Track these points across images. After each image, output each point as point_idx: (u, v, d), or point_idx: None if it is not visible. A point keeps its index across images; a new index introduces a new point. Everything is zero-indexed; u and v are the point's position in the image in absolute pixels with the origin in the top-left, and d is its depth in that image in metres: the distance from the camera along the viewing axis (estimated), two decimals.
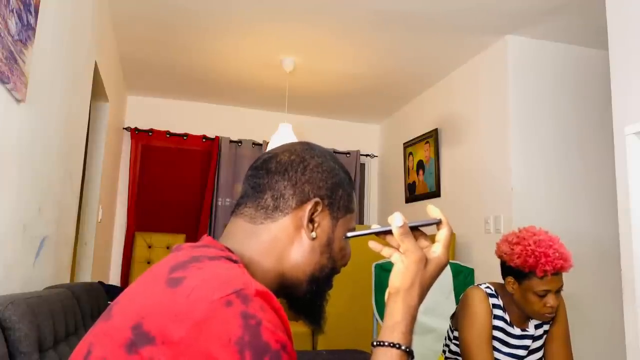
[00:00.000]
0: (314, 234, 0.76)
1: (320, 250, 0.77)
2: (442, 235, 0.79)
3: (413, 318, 0.74)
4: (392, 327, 0.72)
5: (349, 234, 0.82)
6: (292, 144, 0.82)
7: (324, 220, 0.77)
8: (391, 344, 0.71)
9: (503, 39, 3.22)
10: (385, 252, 0.79)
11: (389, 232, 0.77)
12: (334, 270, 0.80)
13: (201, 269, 0.62)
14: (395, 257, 0.76)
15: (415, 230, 0.79)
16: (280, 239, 0.75)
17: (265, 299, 0.60)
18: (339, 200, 0.79)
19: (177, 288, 0.59)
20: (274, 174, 0.77)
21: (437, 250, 0.77)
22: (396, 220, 0.76)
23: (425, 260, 0.76)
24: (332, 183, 0.78)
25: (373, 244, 0.81)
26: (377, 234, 0.80)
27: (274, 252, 0.75)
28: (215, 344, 0.54)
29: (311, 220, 0.76)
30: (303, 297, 0.79)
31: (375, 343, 0.72)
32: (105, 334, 0.60)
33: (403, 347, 0.70)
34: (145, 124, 4.66)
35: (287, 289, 0.78)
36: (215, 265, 0.64)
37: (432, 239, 0.81)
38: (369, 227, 0.81)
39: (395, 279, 0.75)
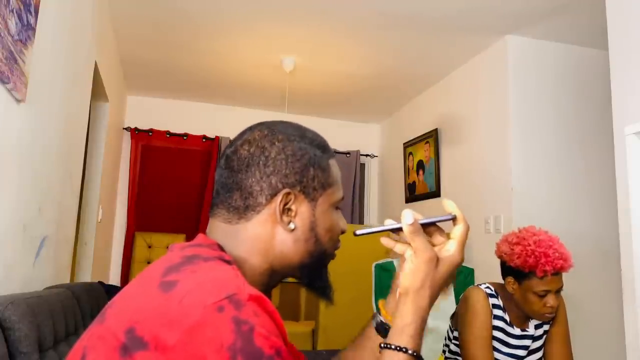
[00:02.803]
0: (292, 225, 0.73)
1: (304, 238, 0.74)
2: (457, 232, 0.75)
3: (423, 320, 0.71)
4: (400, 330, 0.70)
5: (359, 232, 0.79)
6: (252, 132, 0.76)
7: (301, 207, 0.74)
8: (398, 348, 0.69)
9: (503, 39, 3.22)
10: (398, 248, 0.76)
11: (400, 229, 0.74)
12: (325, 252, 0.77)
13: (195, 272, 0.61)
14: (408, 254, 0.74)
15: (431, 226, 0.77)
16: (260, 236, 0.73)
17: (259, 303, 0.59)
18: (312, 180, 0.74)
19: (170, 292, 0.58)
20: (237, 172, 0.73)
21: (450, 249, 0.74)
22: (406, 218, 0.73)
23: (437, 260, 0.73)
24: (300, 166, 0.73)
25: (385, 240, 0.78)
26: (388, 231, 0.78)
27: (258, 250, 0.73)
28: (208, 350, 0.54)
29: (288, 210, 0.73)
30: (300, 278, 0.78)
31: (382, 345, 0.70)
32: (99, 337, 0.60)
33: (410, 352, 0.68)
34: (145, 124, 4.66)
35: (282, 277, 0.78)
36: (209, 268, 0.63)
37: (449, 234, 0.78)
38: (381, 224, 0.79)
39: (405, 279, 0.72)
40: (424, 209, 4.06)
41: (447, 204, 0.77)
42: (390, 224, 0.77)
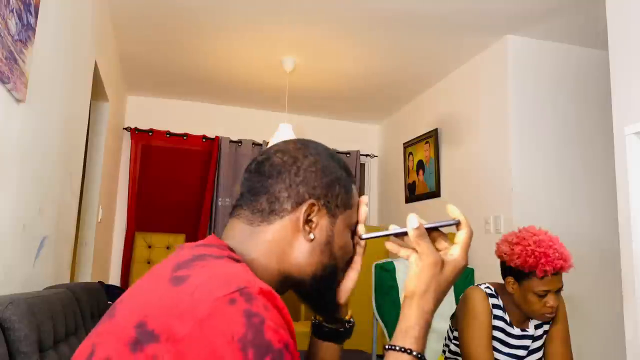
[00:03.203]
0: (312, 235, 0.75)
1: (320, 250, 0.76)
2: (461, 236, 0.77)
3: (427, 323, 0.73)
4: (404, 332, 0.71)
5: (365, 236, 0.81)
6: (286, 143, 0.80)
7: (321, 220, 0.76)
8: (402, 349, 0.70)
9: (503, 39, 3.22)
10: (403, 253, 0.78)
11: (405, 233, 0.76)
12: (337, 267, 0.79)
13: (205, 267, 0.63)
14: (412, 259, 0.75)
15: (434, 231, 0.78)
16: (279, 241, 0.74)
17: (269, 297, 0.60)
18: (336, 197, 0.77)
19: (181, 286, 0.59)
20: (267, 177, 0.76)
21: (455, 253, 0.76)
22: (411, 222, 0.75)
23: (442, 264, 0.74)
24: (328, 181, 0.77)
25: (390, 245, 0.80)
26: (393, 236, 0.79)
27: (274, 253, 0.74)
28: (219, 341, 0.54)
29: (309, 221, 0.75)
30: (310, 292, 0.80)
31: (387, 346, 0.72)
32: (109, 333, 0.60)
33: (414, 353, 0.70)
34: (145, 124, 4.66)
35: (291, 286, 0.79)
36: (219, 264, 0.64)
37: (452, 238, 0.79)
38: (386, 228, 0.80)
39: (410, 283, 0.74)
40: (424, 209, 4.06)
41: (451, 209, 0.79)
42: (394, 228, 0.79)
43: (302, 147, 0.79)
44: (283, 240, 0.75)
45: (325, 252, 0.77)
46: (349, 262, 0.84)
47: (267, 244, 0.74)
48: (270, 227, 0.75)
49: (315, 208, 0.75)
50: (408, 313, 0.73)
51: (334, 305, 0.83)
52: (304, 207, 0.74)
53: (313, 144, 0.81)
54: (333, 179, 0.78)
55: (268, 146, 0.83)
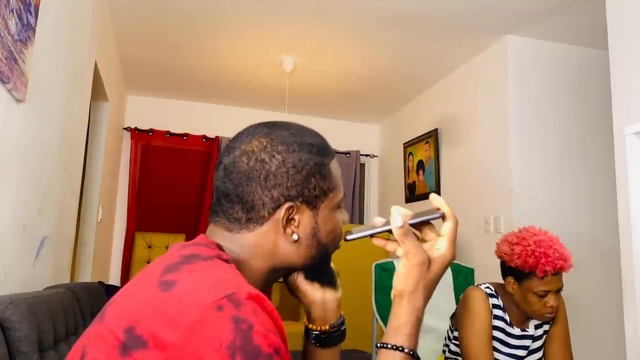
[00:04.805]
0: (295, 236, 0.73)
1: (306, 244, 0.75)
2: (446, 229, 0.75)
3: (418, 320, 0.72)
4: (396, 329, 0.71)
5: (349, 237, 0.79)
6: (250, 142, 0.74)
7: (303, 216, 0.74)
8: (394, 347, 0.69)
9: (503, 39, 3.22)
10: (390, 247, 0.77)
11: (390, 231, 0.74)
12: (327, 251, 0.78)
13: (193, 272, 0.62)
14: (400, 251, 0.74)
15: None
16: (262, 244, 0.73)
17: (258, 302, 0.60)
18: (314, 189, 0.74)
19: (170, 292, 0.59)
20: (237, 185, 0.72)
21: (441, 247, 0.74)
22: (395, 221, 0.73)
23: (428, 262, 0.73)
24: (302, 178, 0.73)
25: (377, 240, 0.79)
26: (378, 234, 0.78)
27: (259, 255, 0.73)
28: (207, 348, 0.54)
29: (290, 219, 0.73)
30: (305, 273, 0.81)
31: (378, 345, 0.71)
32: (98, 336, 0.60)
33: (406, 350, 0.69)
34: (145, 124, 4.66)
35: (283, 275, 0.80)
36: (208, 267, 0.64)
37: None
38: (371, 225, 0.78)
39: (398, 282, 0.73)
40: (424, 209, 4.05)
41: (434, 199, 0.76)
42: (380, 222, 0.77)
43: (268, 144, 0.73)
44: (267, 243, 0.73)
45: (312, 245, 0.75)
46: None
47: (249, 248, 0.73)
48: (250, 234, 0.73)
49: (294, 208, 0.73)
50: (399, 311, 0.72)
51: (332, 276, 0.84)
52: (281, 212, 0.72)
53: (279, 133, 0.74)
54: (307, 173, 0.73)
55: (231, 141, 0.77)
